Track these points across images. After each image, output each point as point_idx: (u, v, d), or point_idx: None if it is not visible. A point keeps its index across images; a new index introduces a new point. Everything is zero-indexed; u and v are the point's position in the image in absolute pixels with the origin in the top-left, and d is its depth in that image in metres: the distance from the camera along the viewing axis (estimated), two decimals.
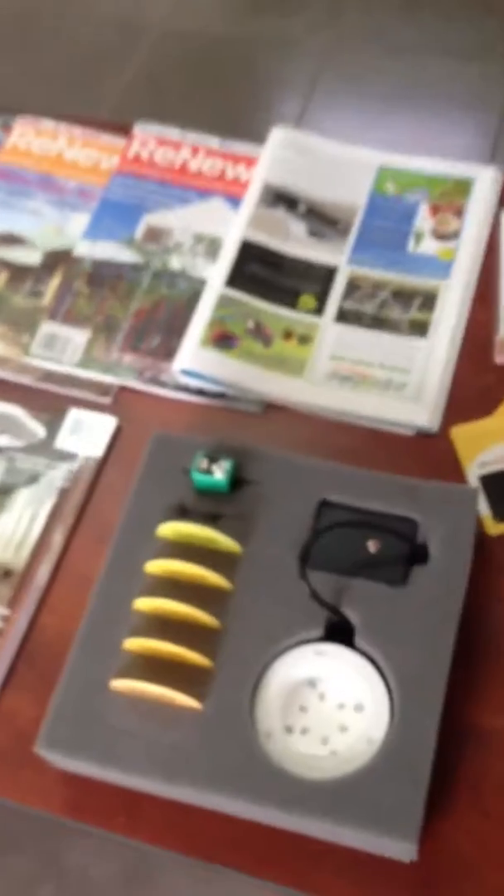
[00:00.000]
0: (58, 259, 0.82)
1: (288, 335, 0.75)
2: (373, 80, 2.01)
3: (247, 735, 0.54)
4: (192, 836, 0.55)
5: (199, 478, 0.62)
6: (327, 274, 0.79)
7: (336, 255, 0.80)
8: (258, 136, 0.89)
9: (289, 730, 0.55)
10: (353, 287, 0.78)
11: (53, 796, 0.57)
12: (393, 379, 0.72)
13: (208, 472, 0.62)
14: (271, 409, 0.73)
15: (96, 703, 0.56)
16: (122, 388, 0.75)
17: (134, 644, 0.57)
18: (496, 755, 0.56)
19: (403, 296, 0.76)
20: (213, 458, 0.63)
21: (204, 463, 0.62)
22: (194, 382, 0.74)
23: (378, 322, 0.75)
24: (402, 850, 0.51)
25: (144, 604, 0.58)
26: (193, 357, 0.74)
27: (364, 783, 0.52)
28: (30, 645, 0.63)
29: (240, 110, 1.96)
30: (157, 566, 0.60)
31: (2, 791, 0.58)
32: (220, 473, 0.62)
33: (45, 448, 0.72)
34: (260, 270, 0.79)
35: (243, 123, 1.90)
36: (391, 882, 0.52)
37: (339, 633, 0.57)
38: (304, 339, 0.75)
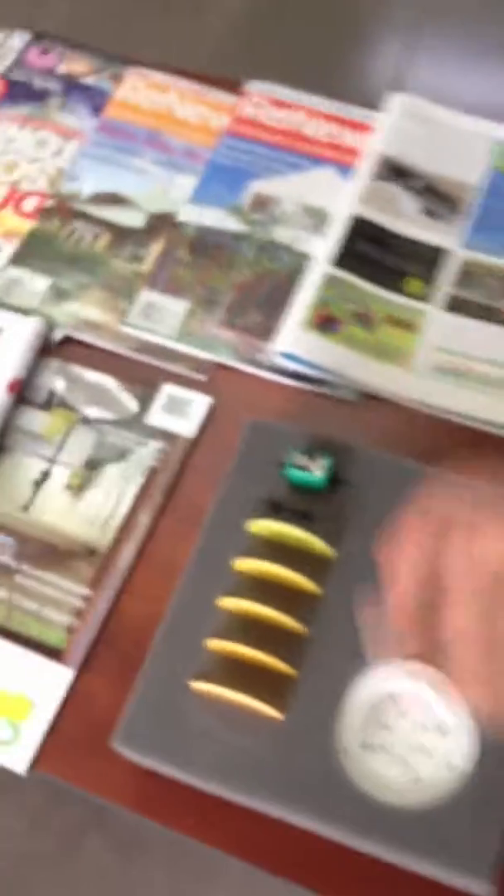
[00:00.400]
0: (161, 223, 0.79)
1: (393, 322, 0.71)
2: (480, 19, 1.90)
3: (326, 750, 0.52)
4: (262, 846, 0.54)
5: (295, 474, 0.60)
6: (436, 256, 0.74)
7: (449, 237, 0.75)
8: (360, 79, 0.84)
9: (366, 747, 0.53)
10: (465, 273, 0.73)
11: (124, 789, 0.56)
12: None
13: (306, 468, 0.59)
14: (370, 398, 0.69)
15: (176, 703, 0.54)
16: (218, 366, 0.72)
17: (217, 645, 0.55)
18: None
19: None
20: (311, 455, 0.60)
21: (302, 459, 0.60)
22: (293, 365, 0.70)
23: (492, 314, 0.71)
24: (478, 888, 0.49)
25: (231, 603, 0.57)
26: (295, 340, 0.70)
27: (443, 815, 0.50)
28: (110, 628, 0.62)
29: (341, 50, 1.88)
30: (247, 565, 0.58)
31: (72, 779, 0.57)
32: (318, 471, 0.59)
33: (136, 423, 0.70)
34: (369, 250, 0.74)
35: (344, 64, 1.82)
36: None
37: None
38: (410, 327, 0.71)
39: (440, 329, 0.71)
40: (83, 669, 0.61)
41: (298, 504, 0.60)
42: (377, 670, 0.54)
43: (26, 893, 1.24)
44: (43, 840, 1.27)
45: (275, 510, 0.60)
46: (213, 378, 0.72)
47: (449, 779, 0.51)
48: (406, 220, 0.76)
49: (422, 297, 0.72)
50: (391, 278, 0.73)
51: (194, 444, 0.69)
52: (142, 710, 0.54)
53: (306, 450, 0.60)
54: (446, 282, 0.73)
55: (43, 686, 0.60)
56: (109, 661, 0.61)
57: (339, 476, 0.61)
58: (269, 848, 0.54)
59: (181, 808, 0.55)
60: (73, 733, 0.59)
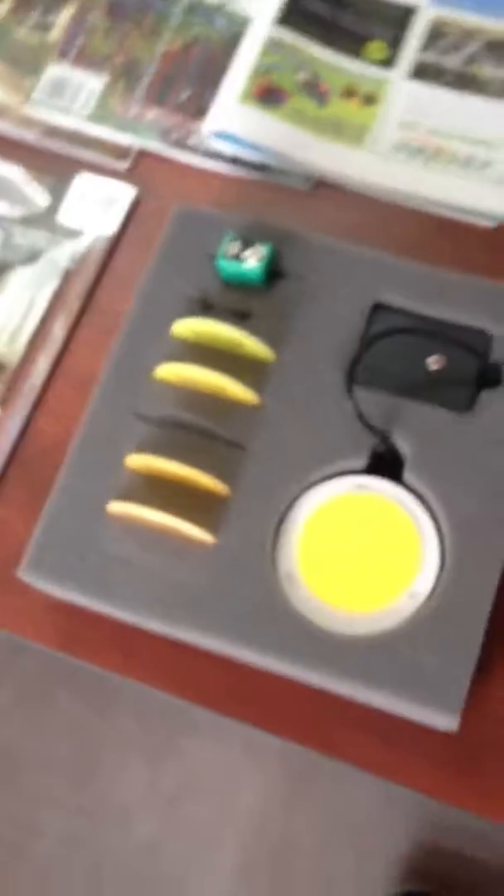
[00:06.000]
0: None
1: (349, 93, 0.63)
2: None
3: (265, 576, 0.47)
4: (196, 681, 0.49)
5: (227, 266, 0.52)
6: (404, 15, 0.65)
7: None
8: None
9: None
10: (436, 34, 0.64)
11: (43, 625, 0.52)
12: (476, 156, 0.60)
13: (239, 258, 0.52)
14: (321, 186, 0.62)
15: (90, 527, 0.49)
16: (143, 153, 0.64)
17: (137, 461, 0.49)
18: None
19: (501, 49, 0.63)
20: (246, 243, 0.52)
21: (235, 247, 0.52)
22: (229, 148, 0.62)
23: (464, 81, 0.62)
24: (443, 721, 0.45)
25: (152, 415, 0.50)
26: (230, 116, 0.62)
27: (403, 643, 0.45)
28: (22, 452, 0.56)
29: None
30: (170, 371, 0.51)
31: None
32: (253, 261, 0.52)
33: (47, 220, 0.62)
34: (321, 8, 0.65)
35: None
36: (428, 748, 0.47)
37: (386, 464, 0.49)
38: (370, 99, 0.63)
39: (405, 101, 0.62)
40: None
41: (232, 302, 0.53)
42: (321, 488, 0.49)
43: None
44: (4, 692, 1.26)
45: (205, 310, 0.53)
46: (136, 166, 0.64)
47: (410, 606, 0.46)
48: None
49: (386, 63, 0.63)
50: (348, 42, 0.64)
51: (115, 242, 0.61)
52: (52, 535, 0.49)
53: (241, 238, 0.53)
54: (413, 44, 0.64)
55: None
56: (22, 489, 0.55)
57: (281, 268, 0.54)
58: (207, 683, 0.49)
59: (106, 644, 0.51)
60: None
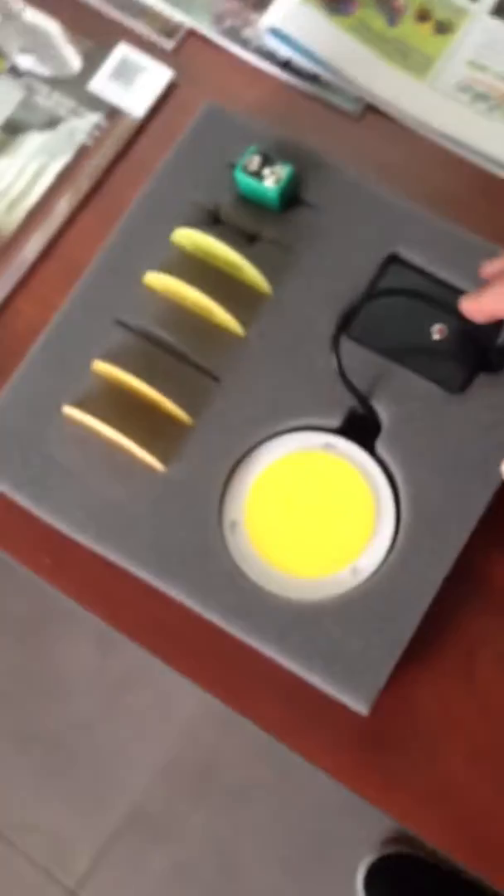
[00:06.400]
0: None
1: (424, 16, 0.57)
2: None
3: (209, 518, 0.45)
4: (121, 605, 0.47)
5: (243, 180, 0.48)
6: None
7: None
8: None
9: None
10: None
11: None
12: None
13: (258, 175, 0.48)
14: (370, 113, 0.57)
15: (40, 425, 0.46)
16: (191, 35, 0.58)
17: (104, 369, 0.46)
18: None
19: None
20: (269, 160, 0.48)
21: (255, 162, 0.48)
22: (283, 50, 0.57)
23: None
24: (354, 705, 0.43)
25: (130, 323, 0.47)
26: (290, 14, 0.56)
27: (334, 618, 0.43)
28: None
29: None
30: (159, 281, 0.47)
31: None
32: (270, 181, 0.48)
33: (76, 86, 0.57)
34: None
35: None
36: (336, 726, 0.45)
37: (361, 429, 0.46)
38: (444, 28, 0.57)
39: (480, 38, 0.57)
40: None
41: (243, 221, 0.49)
42: (287, 439, 0.46)
43: None
44: None
45: (212, 223, 0.49)
46: (181, 48, 0.58)
47: (349, 582, 0.44)
48: None
49: None
50: None
51: (141, 127, 0.57)
52: (0, 426, 0.46)
53: (264, 153, 0.48)
54: None
55: None
56: None
57: (301, 195, 0.49)
58: (131, 610, 0.47)
59: (37, 547, 0.48)
60: None
